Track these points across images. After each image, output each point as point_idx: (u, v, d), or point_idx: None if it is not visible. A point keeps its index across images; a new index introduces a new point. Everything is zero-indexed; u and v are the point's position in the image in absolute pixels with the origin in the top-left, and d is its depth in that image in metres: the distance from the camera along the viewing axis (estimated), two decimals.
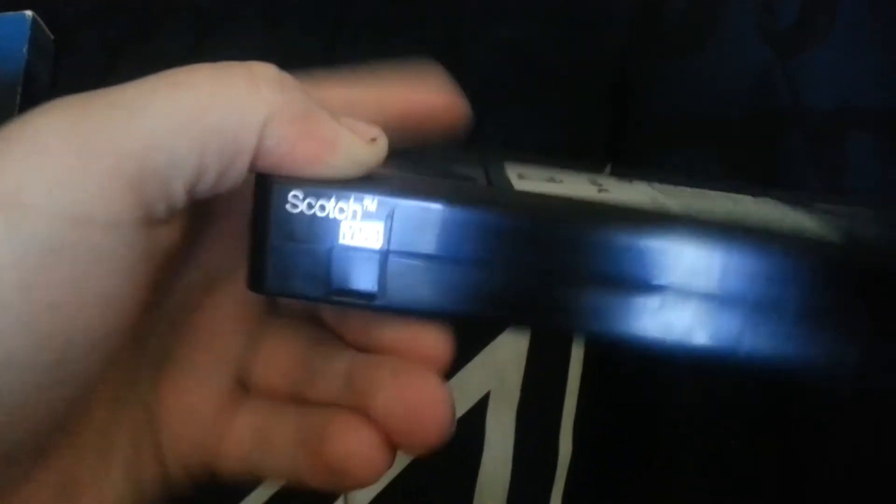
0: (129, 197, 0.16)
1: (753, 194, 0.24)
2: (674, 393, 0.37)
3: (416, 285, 0.19)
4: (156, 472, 0.21)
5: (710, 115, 0.40)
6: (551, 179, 0.22)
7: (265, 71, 0.18)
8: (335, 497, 0.36)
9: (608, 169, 0.39)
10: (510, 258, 0.19)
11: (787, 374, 0.20)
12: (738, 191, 0.24)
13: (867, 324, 0.20)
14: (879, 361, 0.20)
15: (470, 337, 0.37)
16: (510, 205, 0.19)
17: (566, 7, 0.41)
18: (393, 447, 0.19)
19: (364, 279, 0.19)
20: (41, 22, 0.43)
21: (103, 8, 0.46)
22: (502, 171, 0.22)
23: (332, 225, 0.18)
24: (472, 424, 0.36)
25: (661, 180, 0.24)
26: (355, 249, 0.19)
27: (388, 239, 0.19)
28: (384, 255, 0.19)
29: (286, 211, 0.18)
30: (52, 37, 0.44)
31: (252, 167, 0.18)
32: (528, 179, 0.22)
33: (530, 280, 0.19)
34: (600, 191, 0.21)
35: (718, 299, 0.19)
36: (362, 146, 0.18)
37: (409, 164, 0.21)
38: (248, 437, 0.21)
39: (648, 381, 0.37)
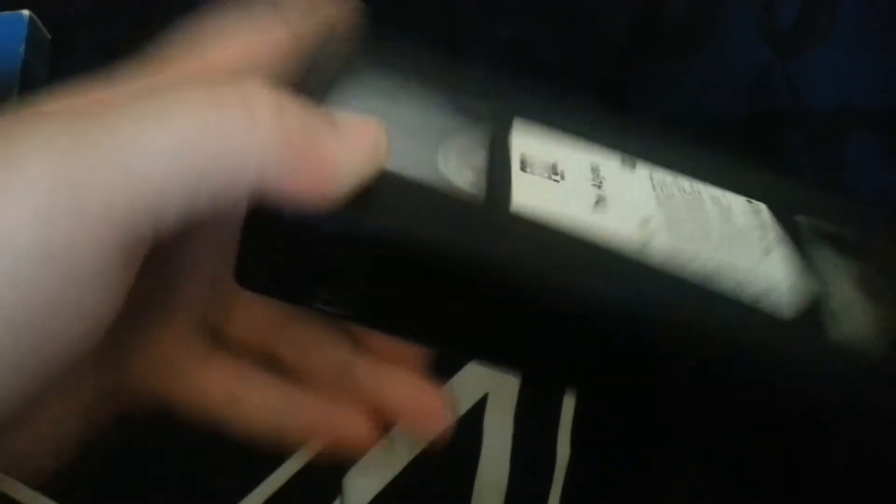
0: (116, 234, 0.16)
1: (751, 195, 0.24)
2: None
3: (395, 309, 0.20)
4: (111, 412, 0.21)
5: (710, 115, 0.40)
6: (553, 172, 0.22)
7: (260, 96, 0.17)
8: (334, 497, 0.35)
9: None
10: (483, 299, 0.19)
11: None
12: (739, 187, 0.24)
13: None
14: None
15: None
16: (483, 255, 0.19)
17: (566, 7, 0.41)
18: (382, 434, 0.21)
19: (344, 294, 0.19)
20: (38, 21, 0.43)
21: (101, 8, 0.46)
22: (507, 150, 0.22)
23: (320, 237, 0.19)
24: (469, 426, 0.36)
25: (667, 163, 0.24)
26: (339, 263, 0.19)
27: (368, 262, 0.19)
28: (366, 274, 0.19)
29: (278, 213, 0.18)
30: (50, 36, 0.44)
31: (248, 198, 0.17)
32: (530, 173, 0.22)
33: (503, 322, 0.20)
34: (597, 202, 0.22)
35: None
36: (362, 164, 0.18)
37: (405, 132, 0.21)
38: (219, 392, 0.21)
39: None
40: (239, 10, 0.21)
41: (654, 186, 0.23)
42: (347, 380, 0.22)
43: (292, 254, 0.19)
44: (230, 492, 0.35)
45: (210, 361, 0.22)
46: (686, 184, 0.24)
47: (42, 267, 0.15)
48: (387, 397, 0.22)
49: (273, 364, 0.22)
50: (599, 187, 0.22)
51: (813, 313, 0.22)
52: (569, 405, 0.37)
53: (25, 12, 0.42)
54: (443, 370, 0.37)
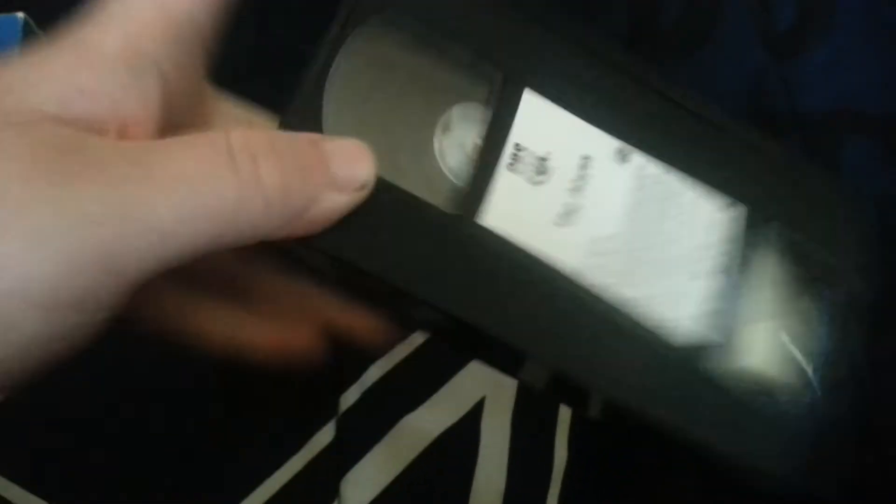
0: (103, 278, 0.17)
1: (741, 193, 0.25)
2: None
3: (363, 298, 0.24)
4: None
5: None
6: (539, 171, 0.23)
7: (250, 146, 0.18)
8: (331, 500, 0.36)
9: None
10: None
11: None
12: (731, 183, 0.25)
13: None
14: None
15: None
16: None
17: (563, 8, 0.41)
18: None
19: (324, 279, 0.24)
20: (33, 24, 0.43)
21: None
22: (503, 136, 0.23)
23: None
24: (466, 430, 0.36)
25: (665, 154, 0.25)
26: (317, 266, 0.22)
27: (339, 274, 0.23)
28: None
29: None
30: (45, 39, 0.44)
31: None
32: (515, 171, 0.23)
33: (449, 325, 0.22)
34: (565, 214, 0.23)
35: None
36: (348, 205, 0.20)
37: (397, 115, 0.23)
38: (195, 325, 0.24)
39: None
40: None
41: (635, 188, 0.24)
42: (301, 304, 0.25)
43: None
44: (229, 494, 0.35)
45: (188, 300, 0.24)
46: (671, 184, 0.25)
47: (21, 311, 0.16)
48: (337, 319, 0.25)
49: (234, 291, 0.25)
50: (578, 192, 0.23)
51: (701, 348, 0.24)
52: (566, 408, 0.37)
53: (20, 14, 0.42)
54: (441, 372, 0.37)
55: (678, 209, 0.25)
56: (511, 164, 0.23)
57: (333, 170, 0.19)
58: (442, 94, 0.23)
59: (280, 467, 0.36)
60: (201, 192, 0.17)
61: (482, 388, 0.37)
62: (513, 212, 0.22)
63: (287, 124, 0.21)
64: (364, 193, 0.20)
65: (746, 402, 0.24)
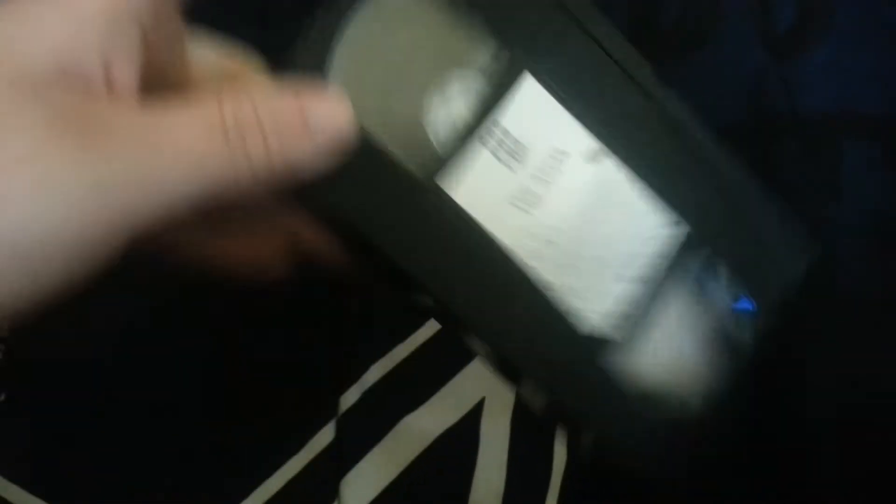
0: (105, 230, 0.19)
1: (689, 215, 0.27)
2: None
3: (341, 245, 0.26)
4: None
5: (706, 118, 0.40)
6: (514, 156, 0.25)
7: (240, 122, 0.20)
8: (331, 501, 0.36)
9: None
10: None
11: None
12: (684, 201, 0.27)
13: None
14: None
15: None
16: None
17: None
18: None
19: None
20: None
21: None
22: (491, 113, 0.25)
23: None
24: (466, 431, 0.36)
25: (637, 163, 0.26)
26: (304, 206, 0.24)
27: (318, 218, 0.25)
28: None
29: None
30: None
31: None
32: (493, 153, 0.24)
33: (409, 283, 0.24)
34: (524, 201, 0.25)
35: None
36: (325, 159, 0.21)
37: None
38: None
39: None
40: None
41: (595, 188, 0.26)
42: (273, 219, 0.27)
43: None
44: (228, 494, 0.35)
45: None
46: (629, 192, 0.27)
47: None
48: (304, 235, 0.27)
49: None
50: (543, 182, 0.25)
51: (603, 342, 0.26)
52: None
53: None
54: (441, 373, 0.37)
55: (626, 217, 0.27)
56: (489, 143, 0.25)
57: (313, 126, 0.21)
58: (447, 63, 0.25)
59: (280, 468, 0.36)
60: (200, 164, 0.19)
61: (482, 388, 0.37)
62: (479, 187, 0.24)
63: (291, 65, 0.22)
64: (342, 148, 0.21)
65: (632, 399, 0.27)
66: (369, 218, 0.23)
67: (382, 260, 0.24)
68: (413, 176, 0.24)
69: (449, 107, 0.24)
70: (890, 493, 0.35)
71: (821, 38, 0.39)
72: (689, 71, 0.40)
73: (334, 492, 0.36)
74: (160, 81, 0.22)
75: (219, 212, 0.22)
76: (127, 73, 0.20)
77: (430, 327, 0.37)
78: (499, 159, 0.25)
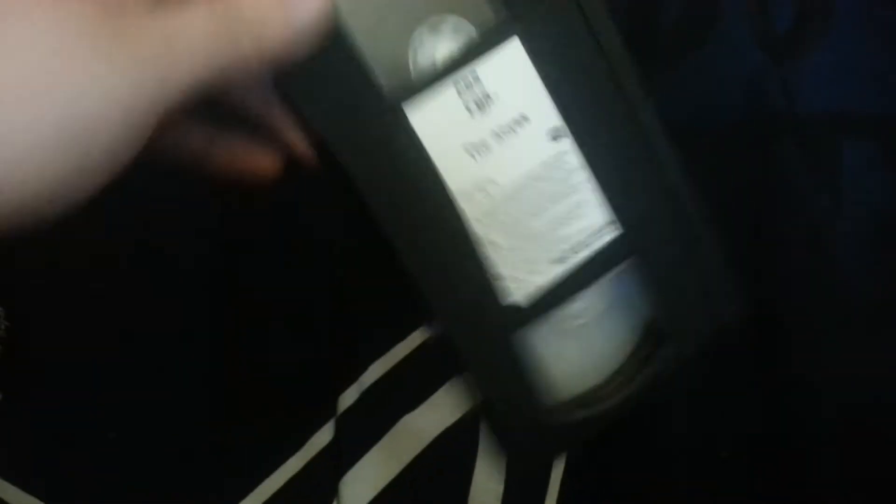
0: (141, 116, 0.21)
1: (629, 220, 0.28)
2: (668, 401, 0.37)
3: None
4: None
5: (705, 119, 0.40)
6: (479, 105, 0.26)
7: (239, 17, 0.22)
8: (330, 501, 0.36)
9: None
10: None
11: None
12: (629, 205, 0.28)
13: None
14: None
15: None
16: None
17: None
18: None
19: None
20: None
21: None
22: (469, 62, 0.26)
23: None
24: (465, 430, 0.36)
25: (594, 154, 0.27)
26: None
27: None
28: None
29: None
30: None
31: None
32: (460, 94, 0.25)
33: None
34: (477, 148, 0.26)
35: None
36: (310, 41, 0.23)
37: None
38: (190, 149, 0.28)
39: None
40: None
41: (547, 165, 0.27)
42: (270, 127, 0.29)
43: None
44: (228, 494, 0.35)
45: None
46: (578, 179, 0.27)
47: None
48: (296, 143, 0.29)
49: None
50: (499, 138, 0.26)
51: (519, 317, 0.27)
52: None
53: None
54: (440, 373, 0.37)
55: (569, 201, 0.27)
56: (461, 86, 0.26)
57: (291, 9, 0.23)
58: (448, 3, 0.26)
59: (279, 467, 0.36)
60: (206, 55, 0.22)
61: None
62: (438, 122, 0.26)
63: None
64: (316, 33, 0.23)
65: (526, 380, 0.28)
66: (332, 121, 0.25)
67: (336, 163, 0.25)
68: (381, 91, 0.25)
69: (436, 43, 0.26)
70: (890, 494, 0.35)
71: (820, 38, 0.39)
72: (689, 71, 0.40)
73: (333, 491, 0.35)
74: None
75: (225, 121, 0.26)
76: None
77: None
78: (465, 104, 0.26)
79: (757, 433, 0.36)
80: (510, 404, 0.28)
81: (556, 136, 0.27)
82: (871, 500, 0.36)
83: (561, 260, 0.27)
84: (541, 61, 0.26)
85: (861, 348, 0.37)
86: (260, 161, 0.29)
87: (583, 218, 0.27)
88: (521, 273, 0.27)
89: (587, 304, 0.29)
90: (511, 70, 0.26)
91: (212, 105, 0.26)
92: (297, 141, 0.29)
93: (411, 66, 0.26)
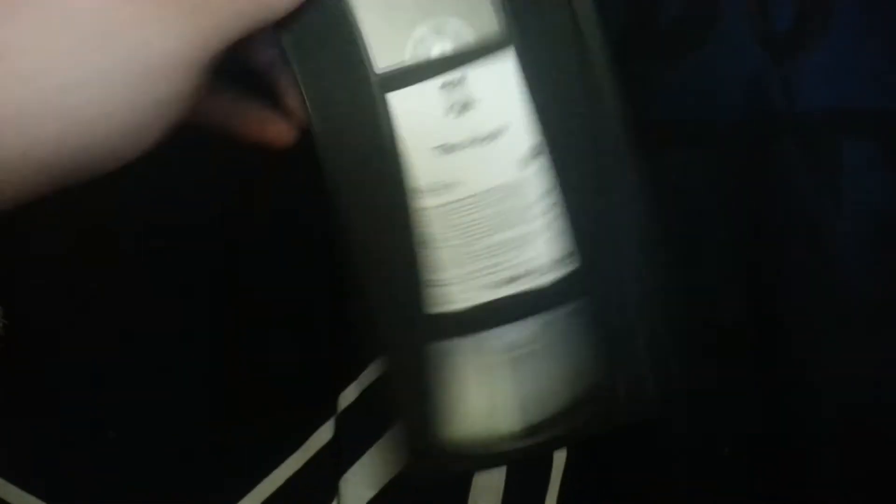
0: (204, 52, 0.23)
1: (574, 254, 0.27)
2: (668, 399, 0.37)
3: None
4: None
5: (705, 118, 0.40)
6: (460, 110, 0.26)
7: None
8: (330, 500, 0.36)
9: None
10: None
11: None
12: (577, 239, 0.27)
13: None
14: None
15: None
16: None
17: None
18: None
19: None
20: None
21: None
22: (462, 68, 0.26)
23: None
24: None
25: (564, 184, 0.26)
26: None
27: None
28: None
29: None
30: None
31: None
32: (446, 92, 0.26)
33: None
34: (448, 146, 0.26)
35: None
36: None
37: None
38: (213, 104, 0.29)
39: None
40: None
41: (511, 185, 0.26)
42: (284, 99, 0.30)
43: None
44: (227, 493, 0.35)
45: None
46: (540, 206, 0.26)
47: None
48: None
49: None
50: (472, 145, 0.26)
51: (442, 327, 0.27)
52: None
53: None
54: None
55: (523, 229, 0.27)
56: (447, 84, 0.26)
57: None
58: (456, 5, 0.26)
59: (279, 466, 0.36)
60: (242, 9, 0.24)
61: None
62: (418, 113, 0.26)
63: None
64: None
65: (434, 396, 0.27)
66: (320, 86, 0.26)
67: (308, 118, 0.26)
68: (370, 65, 0.25)
69: (435, 42, 0.26)
70: (890, 493, 0.35)
71: (819, 37, 0.39)
72: (689, 71, 0.40)
73: (333, 490, 0.36)
74: None
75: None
76: None
77: None
78: (448, 104, 0.26)
79: (757, 433, 0.36)
80: (410, 411, 0.28)
81: (526, 160, 0.26)
82: (871, 500, 0.36)
83: (499, 284, 0.27)
84: (530, 80, 0.26)
85: (861, 348, 0.37)
86: (275, 129, 0.30)
87: (533, 249, 0.27)
88: (457, 286, 0.27)
89: (520, 339, 0.28)
90: (499, 81, 0.26)
91: (233, 72, 0.28)
92: (296, 106, 0.30)
93: (406, 53, 0.26)
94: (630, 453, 0.37)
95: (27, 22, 0.21)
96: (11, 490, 0.34)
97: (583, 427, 0.28)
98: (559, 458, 0.37)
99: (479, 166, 0.26)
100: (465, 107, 0.26)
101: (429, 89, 0.26)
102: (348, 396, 0.36)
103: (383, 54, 0.26)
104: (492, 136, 0.26)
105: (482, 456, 0.28)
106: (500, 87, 0.26)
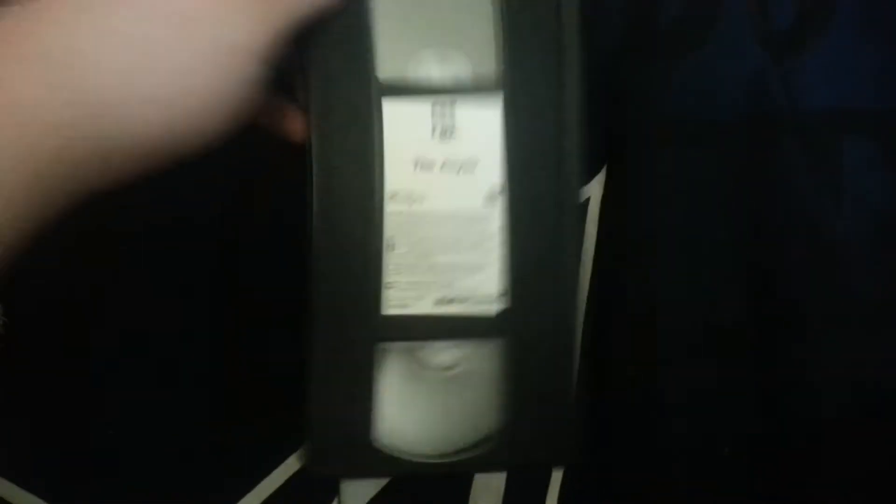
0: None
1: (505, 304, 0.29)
2: (668, 398, 0.37)
3: None
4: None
5: (706, 118, 0.40)
6: (443, 134, 0.28)
7: None
8: (331, 499, 0.36)
9: (603, 173, 0.39)
10: None
11: None
12: (512, 288, 0.29)
13: None
14: None
15: None
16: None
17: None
18: None
19: None
20: None
21: None
22: (455, 97, 0.28)
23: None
24: None
25: (509, 226, 0.29)
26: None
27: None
28: None
29: None
30: None
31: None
32: (434, 119, 0.28)
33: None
34: (422, 165, 0.28)
35: None
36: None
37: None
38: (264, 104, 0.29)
39: (644, 386, 0.37)
40: None
41: (468, 219, 0.29)
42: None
43: None
44: (228, 492, 0.35)
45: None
46: (492, 246, 0.29)
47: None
48: None
49: None
50: (443, 169, 0.28)
51: (388, 330, 0.28)
52: None
53: None
54: None
55: (473, 258, 0.29)
56: (437, 108, 0.28)
57: None
58: (463, 39, 0.29)
59: (280, 465, 0.36)
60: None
61: None
62: (404, 125, 0.28)
63: None
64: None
65: (367, 400, 0.29)
66: (325, 82, 0.28)
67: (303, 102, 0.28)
68: (374, 70, 0.28)
69: (437, 64, 0.29)
70: (890, 493, 0.35)
71: (820, 37, 0.39)
72: (689, 70, 0.40)
73: (335, 489, 0.36)
74: None
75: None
76: None
77: None
78: (433, 124, 0.28)
79: (757, 433, 0.36)
80: (343, 410, 0.29)
81: (490, 198, 0.29)
82: (871, 500, 0.36)
83: (444, 302, 0.29)
84: (510, 127, 0.28)
85: (861, 348, 0.37)
86: (293, 122, 0.31)
87: (478, 279, 0.29)
88: (405, 292, 0.29)
89: (450, 359, 0.30)
90: (483, 119, 0.28)
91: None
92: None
93: (408, 72, 0.29)
94: (630, 453, 0.37)
95: (122, 14, 0.23)
96: (11, 490, 0.34)
97: (485, 459, 0.29)
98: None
99: (447, 189, 0.28)
100: (448, 132, 0.28)
101: (420, 106, 0.28)
102: None
103: (388, 64, 0.28)
104: (465, 166, 0.29)
105: (397, 463, 0.29)
106: (483, 124, 0.28)
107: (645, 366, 0.37)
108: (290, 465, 0.36)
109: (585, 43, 0.29)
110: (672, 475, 0.37)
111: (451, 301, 0.29)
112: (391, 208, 0.28)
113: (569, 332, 0.30)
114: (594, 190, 0.40)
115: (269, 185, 0.37)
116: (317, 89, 0.28)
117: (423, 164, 0.28)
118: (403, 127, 0.28)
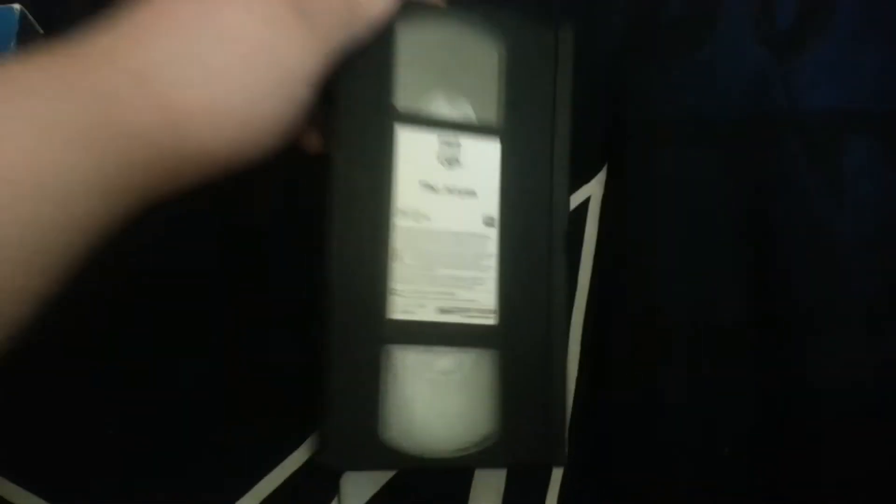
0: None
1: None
2: (668, 399, 0.37)
3: None
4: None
5: (707, 117, 0.40)
6: (448, 161, 0.32)
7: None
8: (331, 497, 0.36)
9: (602, 173, 0.39)
10: None
11: None
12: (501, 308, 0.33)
13: None
14: None
15: None
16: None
17: (563, 7, 0.41)
18: None
19: None
20: (30, 16, 0.42)
21: (94, 1, 0.45)
22: (459, 128, 0.33)
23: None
24: None
25: (500, 250, 0.33)
26: None
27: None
28: None
29: None
30: (42, 31, 0.43)
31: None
32: (441, 144, 0.32)
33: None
34: (427, 186, 0.32)
35: None
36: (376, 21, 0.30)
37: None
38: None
39: (644, 386, 0.37)
40: None
41: (461, 243, 0.32)
42: None
43: None
44: (227, 491, 0.35)
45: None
46: (490, 264, 0.32)
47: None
48: None
49: None
50: (448, 194, 0.32)
51: (390, 333, 0.31)
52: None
53: (17, 6, 0.41)
54: None
55: (472, 274, 0.32)
56: (444, 139, 0.32)
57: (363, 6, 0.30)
58: (474, 87, 0.33)
59: (280, 463, 0.36)
60: (344, 32, 0.29)
61: None
62: (415, 151, 0.32)
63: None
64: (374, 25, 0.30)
65: (371, 399, 0.31)
66: (349, 107, 0.31)
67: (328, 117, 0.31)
68: (390, 100, 0.32)
69: (446, 104, 0.33)
70: (890, 493, 0.35)
71: (821, 36, 0.39)
72: (690, 70, 0.40)
73: (334, 487, 0.36)
74: None
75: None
76: None
77: None
78: (439, 153, 0.32)
79: (757, 433, 0.37)
80: (352, 406, 0.30)
81: (487, 224, 0.32)
82: (871, 500, 0.36)
83: (443, 311, 0.32)
84: (507, 166, 0.33)
85: (861, 348, 0.37)
86: (313, 137, 0.33)
87: (477, 293, 0.32)
88: (410, 300, 0.31)
89: (449, 364, 0.32)
90: (483, 157, 0.33)
91: None
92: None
93: (421, 106, 0.32)
94: (630, 453, 0.37)
95: (198, 38, 0.25)
96: (12, 489, 0.34)
97: (481, 457, 0.32)
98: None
99: (450, 211, 0.32)
100: (453, 162, 0.32)
101: (430, 137, 0.32)
102: None
103: (405, 96, 0.32)
104: (465, 194, 0.32)
105: (401, 457, 0.31)
106: (482, 161, 0.33)
107: (645, 366, 0.37)
108: (289, 465, 0.36)
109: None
110: (672, 475, 0.37)
111: (451, 311, 0.32)
112: (400, 223, 0.31)
113: (559, 348, 0.33)
114: (594, 190, 0.40)
115: (269, 185, 0.36)
116: (341, 111, 0.31)
117: (429, 187, 0.32)
118: (413, 152, 0.32)
